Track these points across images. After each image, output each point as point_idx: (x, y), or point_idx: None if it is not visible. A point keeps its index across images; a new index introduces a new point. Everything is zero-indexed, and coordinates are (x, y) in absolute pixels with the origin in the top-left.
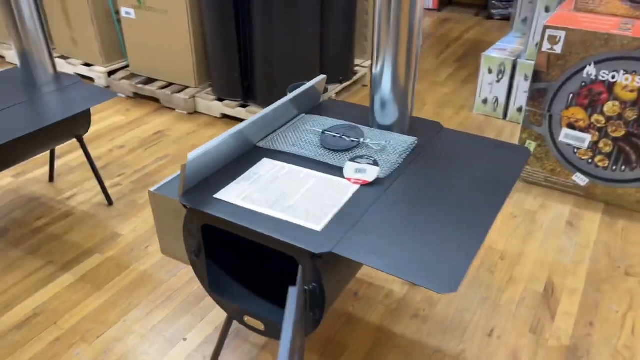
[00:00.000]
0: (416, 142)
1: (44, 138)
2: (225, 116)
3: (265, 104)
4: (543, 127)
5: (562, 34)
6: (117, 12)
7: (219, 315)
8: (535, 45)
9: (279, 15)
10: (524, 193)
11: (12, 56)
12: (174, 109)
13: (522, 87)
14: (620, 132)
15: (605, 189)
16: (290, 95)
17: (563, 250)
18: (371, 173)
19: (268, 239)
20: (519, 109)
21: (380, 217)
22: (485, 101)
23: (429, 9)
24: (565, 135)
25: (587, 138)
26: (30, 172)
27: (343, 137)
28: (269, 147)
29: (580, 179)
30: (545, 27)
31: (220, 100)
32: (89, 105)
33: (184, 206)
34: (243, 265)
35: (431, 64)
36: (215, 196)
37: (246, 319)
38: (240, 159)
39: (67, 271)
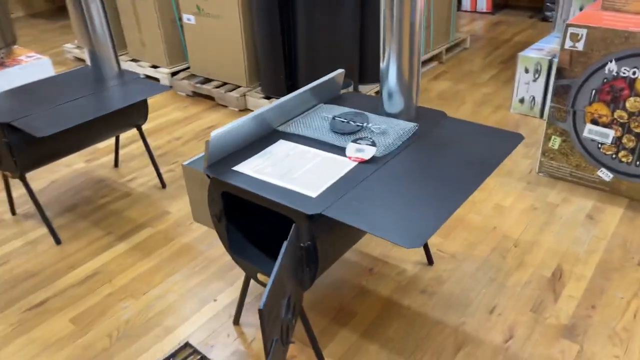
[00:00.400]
0: (416, 127)
1: (108, 125)
2: None
3: None
4: (567, 123)
5: (584, 31)
6: (180, 19)
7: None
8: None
9: (320, 18)
10: (549, 187)
11: None
12: (226, 106)
13: None
14: None
15: (630, 185)
16: (308, 86)
17: (578, 241)
18: (368, 152)
19: (271, 202)
20: None
21: (370, 189)
22: (522, 100)
23: (482, 12)
24: (589, 131)
25: (611, 133)
26: (99, 159)
27: (350, 122)
28: (286, 130)
29: (605, 174)
30: (568, 25)
31: (268, 98)
32: (144, 97)
33: (207, 176)
34: (258, 230)
35: (476, 66)
36: (233, 168)
37: (259, 276)
38: (260, 140)
39: (123, 241)
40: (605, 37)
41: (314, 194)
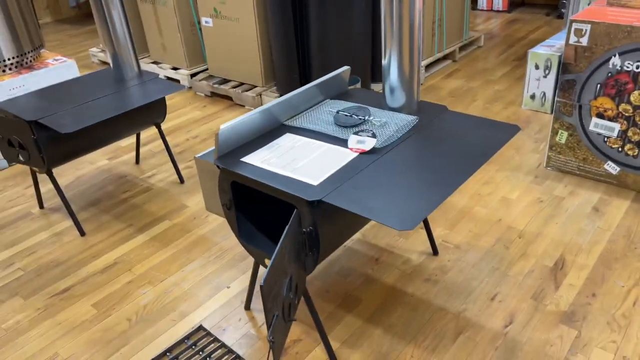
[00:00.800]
0: (416, 120)
1: (129, 123)
2: None
3: None
4: (573, 117)
5: (587, 26)
6: (199, 22)
7: (260, 271)
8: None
9: (332, 19)
10: (556, 181)
11: None
12: (243, 106)
13: None
14: None
15: (636, 177)
16: (314, 82)
17: (582, 232)
18: (369, 143)
19: (275, 190)
20: None
21: (369, 177)
22: (532, 96)
23: (498, 10)
24: (595, 125)
25: (616, 127)
26: (121, 157)
27: (352, 115)
28: (293, 124)
29: (612, 168)
30: (572, 21)
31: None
32: (162, 95)
33: (217, 167)
34: (266, 218)
35: (490, 63)
36: (242, 159)
37: (266, 261)
38: (267, 133)
39: (143, 232)
40: (609, 31)
41: (315, 182)
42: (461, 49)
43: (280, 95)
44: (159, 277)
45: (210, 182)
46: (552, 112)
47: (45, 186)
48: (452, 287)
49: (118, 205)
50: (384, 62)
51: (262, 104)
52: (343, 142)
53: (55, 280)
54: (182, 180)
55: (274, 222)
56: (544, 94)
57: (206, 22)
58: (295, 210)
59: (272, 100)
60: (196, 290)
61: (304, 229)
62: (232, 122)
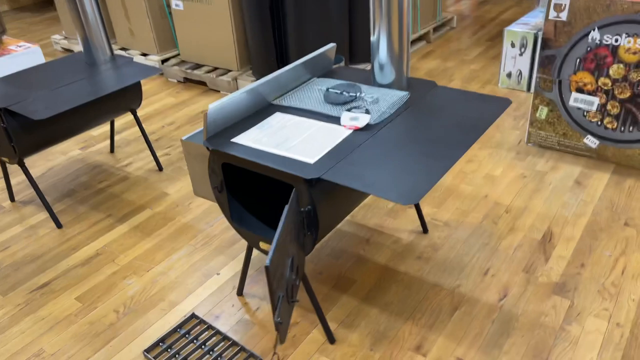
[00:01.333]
0: (408, 95)
1: (104, 109)
2: None
3: None
4: (553, 93)
5: (567, 1)
6: (169, 6)
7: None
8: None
9: (309, 1)
10: (537, 156)
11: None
12: (219, 91)
13: None
14: (626, 94)
15: (615, 150)
16: (300, 60)
17: (566, 205)
18: (363, 120)
19: (271, 170)
20: None
21: (365, 153)
22: (509, 75)
23: None
24: (575, 99)
25: (596, 101)
26: (94, 146)
27: (343, 93)
28: (281, 103)
29: (591, 141)
30: None
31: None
32: (138, 79)
33: (207, 148)
34: (257, 201)
35: (464, 44)
36: (232, 140)
37: (261, 244)
38: (256, 113)
39: (123, 222)
40: (588, 6)
41: (311, 160)
42: (435, 30)
43: (257, 79)
44: (144, 267)
45: (198, 165)
46: (528, 90)
47: (15, 178)
48: (444, 264)
49: (95, 196)
50: (373, 38)
51: (237, 89)
52: (335, 120)
53: (34, 275)
54: (160, 168)
55: (265, 204)
56: (520, 72)
57: (176, 5)
58: (294, 189)
59: (251, 83)
60: (185, 279)
61: (302, 209)
62: (220, 101)
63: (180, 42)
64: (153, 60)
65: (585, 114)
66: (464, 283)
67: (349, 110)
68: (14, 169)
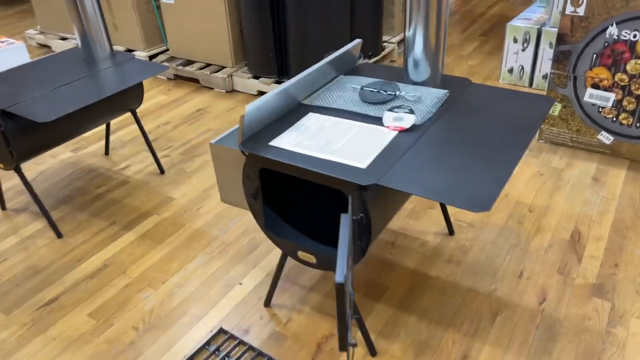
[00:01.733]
0: (447, 94)
1: (104, 110)
2: (261, 93)
3: None
4: (568, 89)
5: None
6: None
7: (270, 262)
8: (560, 12)
9: None
10: (551, 153)
11: (58, 46)
12: (212, 88)
13: (547, 54)
14: None
15: (630, 146)
16: (329, 57)
17: (589, 203)
18: (408, 120)
19: (320, 176)
20: (545, 76)
21: (418, 156)
22: (510, 70)
23: None
24: (590, 95)
25: (611, 97)
26: (86, 148)
27: (380, 91)
28: (313, 103)
29: (606, 138)
30: None
31: (256, 77)
32: (142, 78)
33: (243, 153)
34: (288, 207)
35: (457, 39)
36: (270, 143)
37: (299, 254)
38: (287, 114)
39: (129, 230)
40: (606, 1)
41: (362, 165)
42: None
43: (255, 76)
44: (159, 278)
45: (227, 170)
46: (530, 86)
47: (5, 184)
48: (476, 267)
49: (94, 202)
50: (408, 33)
51: (233, 86)
52: (375, 120)
53: (39, 290)
54: (162, 171)
55: (297, 209)
56: (522, 67)
57: None
58: (350, 197)
59: (246, 82)
60: (205, 290)
61: (353, 217)
62: (256, 102)
63: (169, 37)
64: (140, 56)
65: (600, 110)
66: (500, 287)
67: (391, 109)
68: (3, 174)
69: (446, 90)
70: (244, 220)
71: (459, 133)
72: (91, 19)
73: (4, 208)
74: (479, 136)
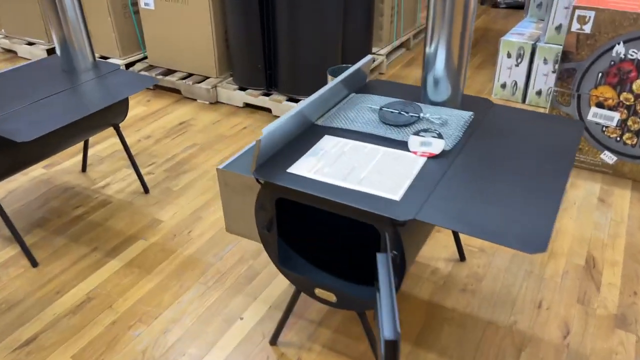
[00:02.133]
0: (472, 116)
1: (87, 125)
2: (248, 105)
3: (288, 91)
4: (571, 107)
5: (592, 14)
6: (134, 4)
7: (271, 294)
8: (555, 28)
9: (304, 3)
10: None
11: (25, 51)
12: (195, 100)
13: (542, 70)
14: None
15: (633, 166)
16: (343, 75)
17: (598, 226)
18: (437, 146)
19: (350, 209)
20: (538, 92)
21: (453, 185)
22: (503, 85)
23: None
24: (594, 114)
25: (616, 116)
26: (60, 164)
27: (402, 112)
28: (329, 124)
29: (609, 157)
30: (575, 8)
31: (243, 89)
32: (130, 93)
33: (258, 181)
34: (305, 238)
35: None
36: (288, 170)
37: (317, 291)
38: (301, 136)
39: (114, 257)
40: (614, 19)
41: (396, 196)
42: (414, 36)
43: (241, 88)
44: (151, 313)
45: (235, 198)
46: (523, 101)
47: None
48: (492, 297)
49: (72, 225)
50: (429, 49)
51: (217, 98)
52: (398, 144)
53: (14, 328)
54: (146, 190)
55: (312, 240)
56: (515, 82)
57: (146, 4)
58: (386, 234)
59: (232, 93)
60: (203, 326)
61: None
62: (272, 126)
63: (148, 45)
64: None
65: (604, 129)
66: (520, 319)
67: (416, 133)
68: None
69: (471, 113)
70: (240, 246)
71: (490, 160)
72: (72, 24)
73: None
74: (513, 163)
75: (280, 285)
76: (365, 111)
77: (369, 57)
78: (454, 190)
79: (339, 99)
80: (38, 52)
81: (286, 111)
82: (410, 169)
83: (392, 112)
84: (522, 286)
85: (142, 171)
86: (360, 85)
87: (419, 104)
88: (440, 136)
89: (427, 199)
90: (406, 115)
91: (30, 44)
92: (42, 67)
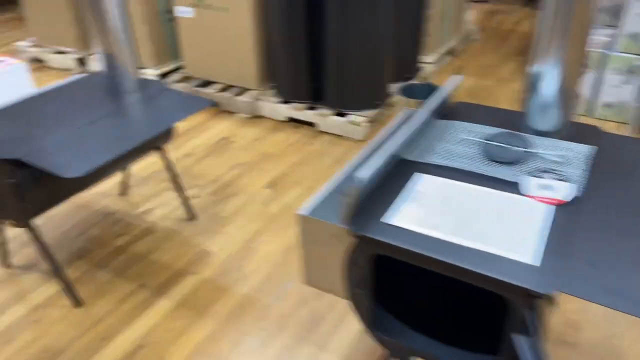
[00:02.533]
0: (596, 150)
1: (130, 154)
2: (292, 120)
3: (335, 105)
4: None
5: None
6: (169, 12)
7: (342, 343)
8: (630, 37)
9: (355, 12)
10: None
11: (55, 60)
12: (233, 113)
13: (612, 81)
14: None
15: None
16: (435, 100)
17: None
18: (563, 190)
19: (470, 274)
20: (608, 105)
21: (594, 243)
22: (609, 105)
23: (476, 1)
24: None
25: None
26: (98, 186)
27: (509, 146)
28: (422, 160)
29: None
30: None
31: (286, 102)
32: (183, 117)
33: (354, 235)
34: (397, 295)
35: (492, 59)
36: (385, 221)
37: None
38: (390, 176)
39: (163, 295)
40: None
41: (532, 260)
42: (460, 43)
43: (284, 101)
44: None
45: (318, 248)
46: (590, 115)
47: (6, 232)
48: (596, 352)
49: (115, 256)
50: (537, 67)
51: (259, 111)
52: (508, 186)
53: None
54: (192, 217)
55: (403, 297)
56: (621, 102)
57: (183, 11)
58: (526, 312)
59: (274, 107)
60: None
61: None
62: (369, 169)
63: (186, 54)
64: (149, 75)
65: None
66: None
67: (532, 173)
68: None
69: (595, 147)
70: (298, 284)
71: (629, 206)
72: (120, 39)
73: (7, 265)
74: None
75: (348, 331)
76: (462, 144)
77: (459, 77)
78: (596, 250)
79: (424, 127)
80: (68, 62)
81: (333, 126)
82: (532, 220)
83: (498, 146)
84: (624, 337)
85: (187, 194)
86: (443, 109)
87: (524, 134)
88: (564, 178)
89: (569, 264)
90: (515, 149)
91: (60, 52)
92: (84, 86)
